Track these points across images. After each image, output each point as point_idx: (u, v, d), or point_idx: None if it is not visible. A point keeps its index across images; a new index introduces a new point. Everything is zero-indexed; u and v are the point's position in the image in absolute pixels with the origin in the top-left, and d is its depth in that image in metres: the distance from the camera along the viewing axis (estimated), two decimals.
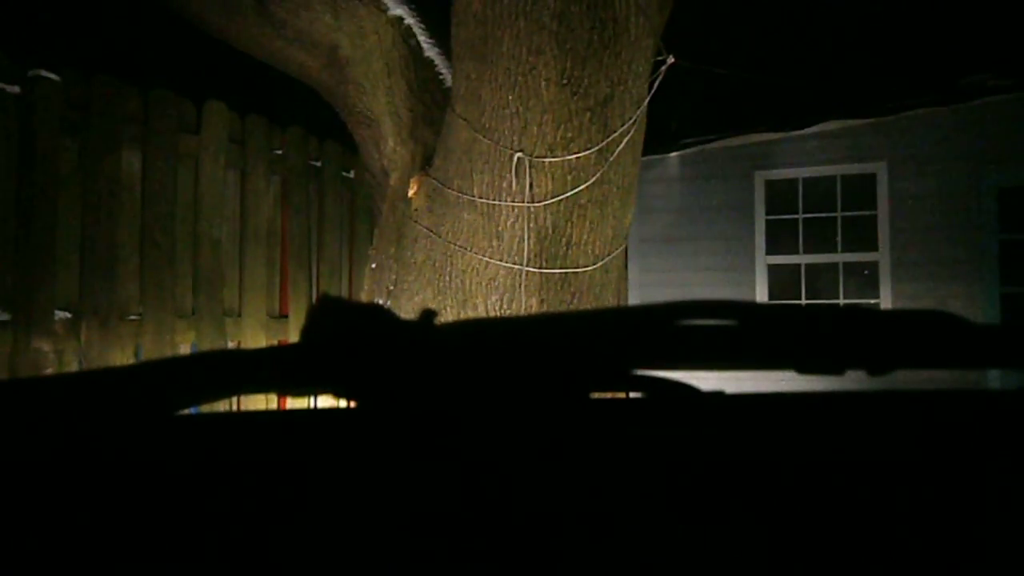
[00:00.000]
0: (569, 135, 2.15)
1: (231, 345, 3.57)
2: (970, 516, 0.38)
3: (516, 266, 2.19)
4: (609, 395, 0.63)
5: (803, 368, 0.55)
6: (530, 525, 0.37)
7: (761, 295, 5.38)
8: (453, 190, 2.30)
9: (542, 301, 2.21)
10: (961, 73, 4.94)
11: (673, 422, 0.52)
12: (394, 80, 2.67)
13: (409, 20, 2.70)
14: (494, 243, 2.22)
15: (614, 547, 0.35)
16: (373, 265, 2.73)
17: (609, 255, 2.32)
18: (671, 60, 2.36)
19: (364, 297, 2.77)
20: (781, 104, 5.23)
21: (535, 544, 0.35)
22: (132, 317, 3.15)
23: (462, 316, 2.25)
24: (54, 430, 0.47)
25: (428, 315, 0.56)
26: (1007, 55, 4.86)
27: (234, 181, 3.66)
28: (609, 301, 2.39)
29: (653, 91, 2.35)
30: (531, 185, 2.17)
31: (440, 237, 2.33)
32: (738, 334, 0.56)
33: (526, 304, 2.20)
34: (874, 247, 5.13)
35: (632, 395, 0.57)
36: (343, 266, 4.32)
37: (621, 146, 2.22)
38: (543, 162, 2.15)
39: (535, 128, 2.14)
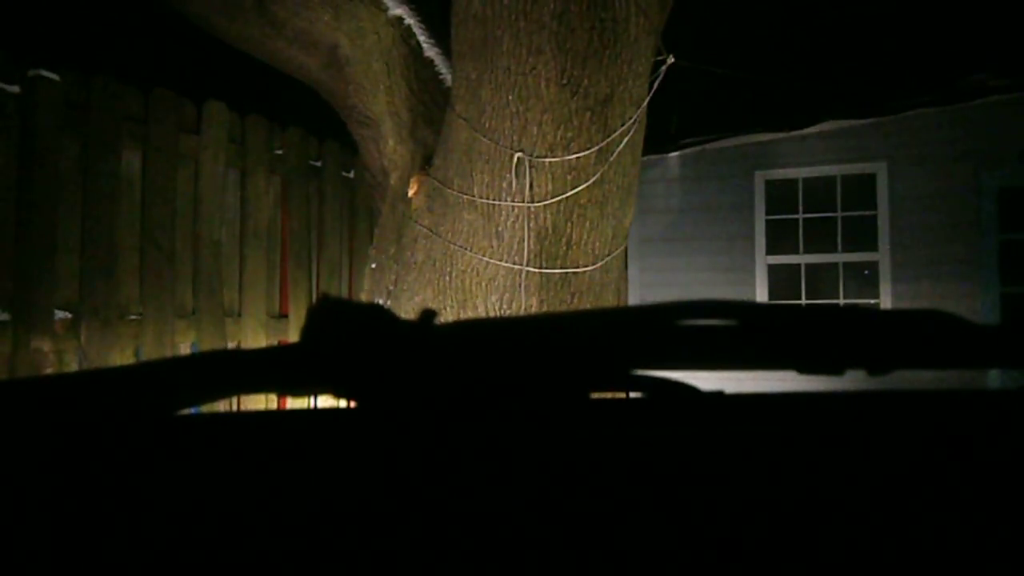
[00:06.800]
0: (569, 135, 2.15)
1: (231, 345, 3.57)
2: (970, 516, 0.37)
3: (516, 266, 2.19)
4: (609, 395, 0.63)
5: (803, 368, 0.55)
6: (530, 525, 0.37)
7: (761, 295, 5.38)
8: (453, 190, 2.30)
9: (542, 301, 2.21)
10: (961, 73, 4.93)
11: (673, 422, 0.52)
12: (394, 80, 2.67)
13: (409, 20, 2.70)
14: (494, 243, 2.22)
15: (614, 547, 0.35)
16: (373, 265, 2.73)
17: (609, 255, 2.32)
18: (671, 60, 2.36)
19: (364, 297, 2.77)
20: (781, 104, 5.23)
21: (535, 544, 0.35)
22: (132, 317, 3.15)
23: (462, 316, 2.25)
24: (53, 430, 0.47)
25: (428, 315, 0.56)
26: (1006, 55, 4.86)
27: (234, 181, 3.66)
28: (609, 301, 2.39)
29: (653, 91, 2.35)
30: (531, 185, 2.17)
31: (440, 237, 2.33)
32: (738, 334, 0.56)
33: (526, 304, 2.20)
34: (874, 247, 5.13)
35: (632, 395, 0.57)
36: (343, 266, 4.33)
37: (621, 146, 2.22)
38: (543, 162, 2.15)
39: (535, 128, 2.14)
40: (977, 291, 4.84)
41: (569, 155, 2.15)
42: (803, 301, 5.31)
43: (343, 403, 0.55)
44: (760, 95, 5.14)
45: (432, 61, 2.76)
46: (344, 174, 4.31)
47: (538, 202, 2.17)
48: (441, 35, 2.65)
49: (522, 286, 2.20)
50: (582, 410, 0.54)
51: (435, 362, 0.53)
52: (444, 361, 0.53)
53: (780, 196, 5.39)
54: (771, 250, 5.38)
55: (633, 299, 5.56)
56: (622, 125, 2.21)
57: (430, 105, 2.71)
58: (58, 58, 2.99)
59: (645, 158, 4.03)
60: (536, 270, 2.19)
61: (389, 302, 2.52)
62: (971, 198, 4.88)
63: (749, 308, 0.60)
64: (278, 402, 3.36)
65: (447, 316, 2.27)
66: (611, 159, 2.21)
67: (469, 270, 2.26)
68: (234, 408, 3.08)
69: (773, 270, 5.39)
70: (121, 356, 3.08)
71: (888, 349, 0.55)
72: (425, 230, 2.39)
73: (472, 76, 2.23)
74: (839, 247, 5.29)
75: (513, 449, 0.45)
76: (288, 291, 3.95)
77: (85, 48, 4.78)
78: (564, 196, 2.17)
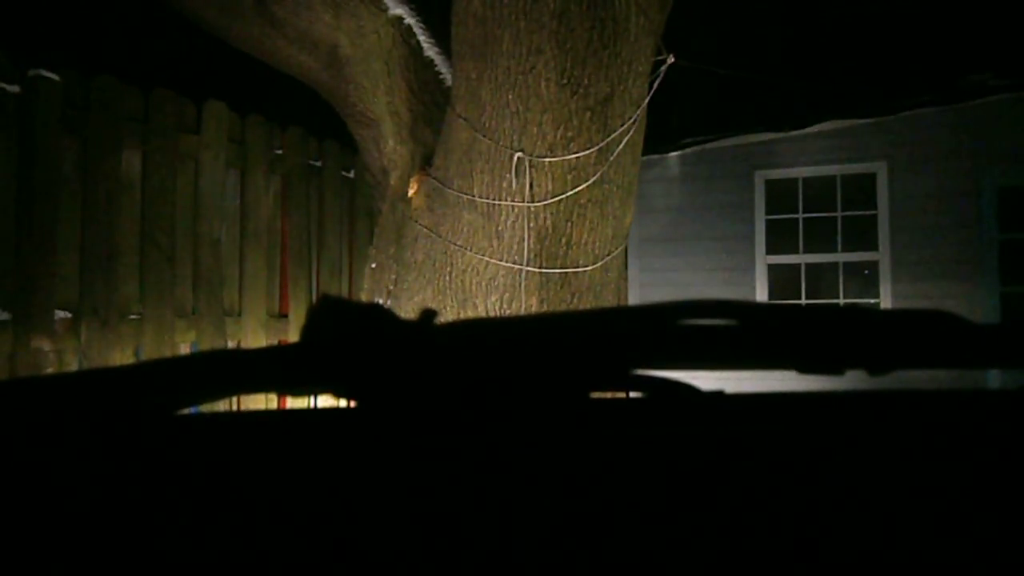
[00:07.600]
0: (569, 135, 2.15)
1: (231, 345, 3.57)
2: (970, 516, 0.38)
3: (516, 266, 2.19)
4: (609, 395, 0.63)
5: (803, 368, 0.55)
6: (530, 525, 0.37)
7: (761, 295, 5.38)
8: (453, 190, 2.30)
9: (542, 301, 2.21)
10: (961, 73, 4.93)
11: (673, 422, 0.52)
12: (394, 80, 2.67)
13: (409, 20, 2.70)
14: (494, 243, 2.22)
15: (614, 547, 0.35)
16: (373, 265, 2.73)
17: (609, 255, 2.32)
18: (671, 59, 2.36)
19: (364, 297, 2.77)
20: (781, 104, 5.23)
21: (535, 544, 0.35)
22: (132, 317, 3.15)
23: (462, 316, 2.25)
24: (54, 430, 0.47)
25: (428, 315, 0.56)
26: (1007, 55, 4.86)
27: (234, 181, 3.66)
28: (609, 301, 2.39)
29: (653, 91, 2.35)
30: (531, 185, 2.17)
31: (440, 237, 2.33)
32: (738, 334, 0.56)
33: (526, 304, 2.20)
34: (874, 247, 5.14)
35: (632, 395, 0.57)
36: (343, 266, 4.33)
37: (621, 146, 2.22)
38: (543, 162, 2.15)
39: (535, 128, 2.14)
40: (977, 291, 4.84)
41: (569, 155, 2.15)
42: (803, 301, 5.31)
43: (343, 403, 0.55)
44: (760, 95, 5.14)
45: (432, 61, 2.76)
46: (344, 174, 4.31)
47: (538, 202, 2.17)
48: (441, 35, 2.65)
49: (522, 286, 2.20)
50: (582, 410, 0.54)
51: (435, 362, 0.53)
52: (444, 361, 0.53)
53: (780, 196, 5.39)
54: (771, 250, 5.38)
55: (633, 299, 5.56)
56: (622, 125, 2.21)
57: (430, 105, 2.71)
58: (58, 58, 2.99)
59: (645, 158, 4.02)
60: (536, 270, 2.19)
61: (389, 302, 2.52)
62: (971, 198, 4.88)
63: (749, 308, 0.60)
64: (278, 402, 3.36)
65: (447, 316, 2.27)
66: (611, 159, 2.21)
67: (469, 270, 2.26)
68: (234, 408, 3.08)
69: (773, 270, 5.39)
70: (121, 356, 3.08)
71: (888, 349, 0.55)
72: (425, 230, 2.39)
73: (472, 76, 2.23)
74: (839, 247, 5.29)
75: (513, 449, 0.45)
76: (288, 291, 3.95)
77: (85, 48, 4.78)
78: (564, 196, 2.17)
